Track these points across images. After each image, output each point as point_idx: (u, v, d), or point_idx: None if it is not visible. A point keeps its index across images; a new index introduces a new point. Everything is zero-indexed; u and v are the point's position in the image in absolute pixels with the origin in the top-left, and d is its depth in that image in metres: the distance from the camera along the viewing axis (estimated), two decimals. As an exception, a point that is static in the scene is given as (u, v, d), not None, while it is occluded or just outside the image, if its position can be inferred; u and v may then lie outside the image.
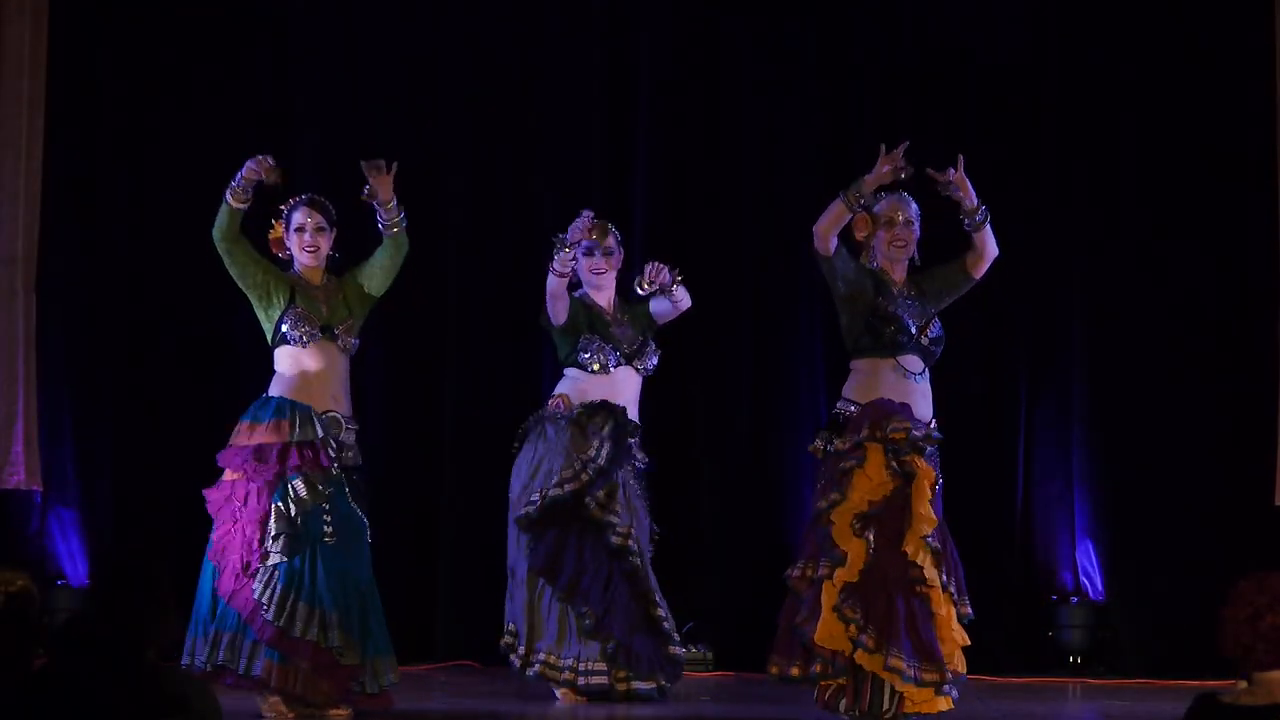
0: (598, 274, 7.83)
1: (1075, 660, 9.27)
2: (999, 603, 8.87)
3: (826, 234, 6.79)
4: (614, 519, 7.61)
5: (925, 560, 6.57)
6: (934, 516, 6.63)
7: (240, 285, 7.14)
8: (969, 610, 6.76)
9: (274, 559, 6.87)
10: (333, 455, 6.98)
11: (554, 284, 7.75)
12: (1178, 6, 9.45)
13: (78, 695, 3.94)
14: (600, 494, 7.62)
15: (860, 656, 6.55)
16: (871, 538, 6.58)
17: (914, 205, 6.94)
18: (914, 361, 6.81)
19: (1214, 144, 9.38)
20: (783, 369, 9.54)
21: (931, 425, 6.81)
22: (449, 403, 9.62)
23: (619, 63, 9.72)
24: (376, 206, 7.23)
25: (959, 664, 6.69)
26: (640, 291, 7.88)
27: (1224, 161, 9.38)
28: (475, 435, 9.41)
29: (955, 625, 6.67)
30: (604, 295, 7.86)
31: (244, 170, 7.04)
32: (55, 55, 9.51)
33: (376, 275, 7.26)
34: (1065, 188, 9.52)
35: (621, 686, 7.59)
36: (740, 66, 9.67)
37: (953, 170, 6.91)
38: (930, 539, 6.59)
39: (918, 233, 6.93)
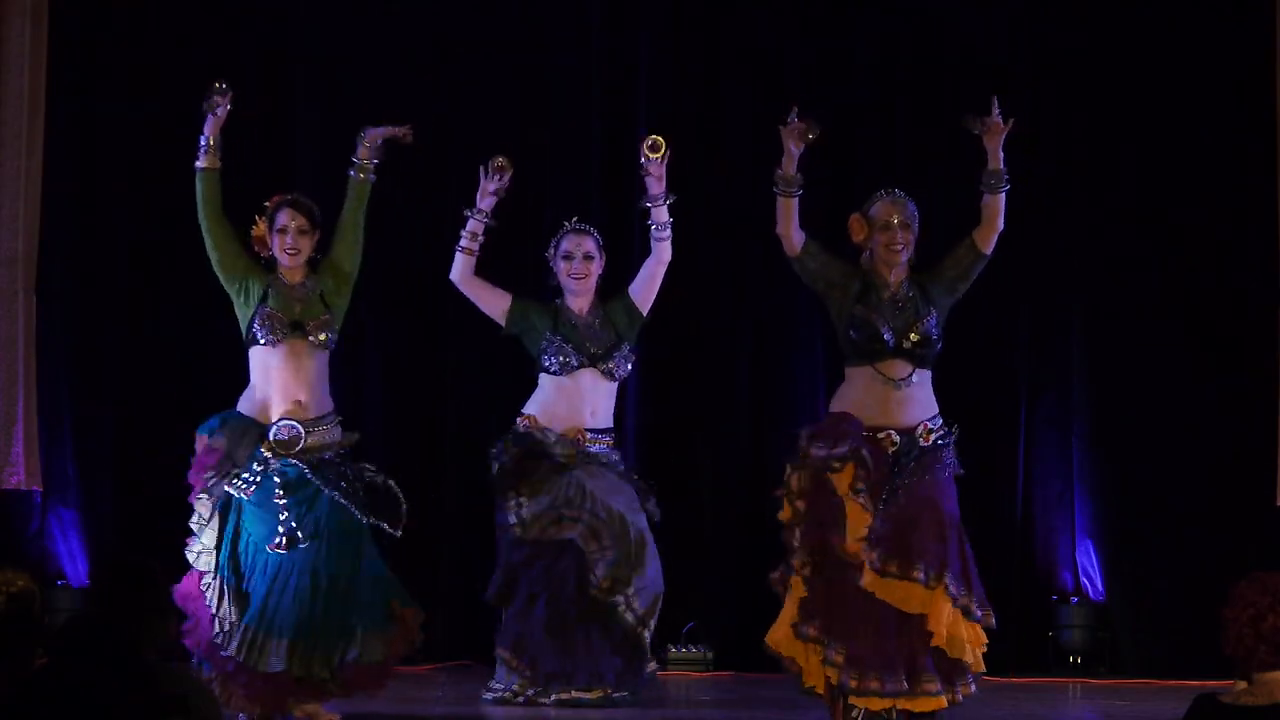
0: (577, 279, 7.78)
1: (1075, 660, 9.28)
2: (999, 603, 8.83)
3: (785, 233, 6.80)
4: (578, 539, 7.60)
5: (865, 558, 6.54)
6: (864, 513, 6.58)
7: (220, 277, 7.12)
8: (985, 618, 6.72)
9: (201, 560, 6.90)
10: (247, 476, 6.93)
11: (457, 267, 7.69)
12: (1179, 6, 9.46)
13: (78, 695, 3.94)
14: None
15: (828, 670, 6.55)
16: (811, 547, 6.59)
17: (910, 205, 6.88)
18: (896, 367, 6.74)
19: (1214, 143, 9.38)
20: (783, 370, 9.54)
21: (920, 428, 6.75)
22: (450, 402, 9.63)
23: (619, 63, 9.72)
24: (358, 142, 7.17)
25: (967, 657, 6.62)
26: (649, 201, 7.70)
27: (1224, 161, 9.38)
28: (476, 434, 9.40)
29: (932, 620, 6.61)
30: (580, 301, 7.82)
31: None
32: (55, 55, 9.51)
33: (345, 241, 7.15)
34: (1065, 187, 9.52)
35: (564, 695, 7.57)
36: (740, 66, 9.67)
37: (1000, 115, 6.84)
38: (863, 540, 6.55)
39: (916, 233, 6.88)
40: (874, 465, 6.60)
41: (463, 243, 7.69)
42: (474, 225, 7.68)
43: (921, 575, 6.53)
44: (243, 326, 7.09)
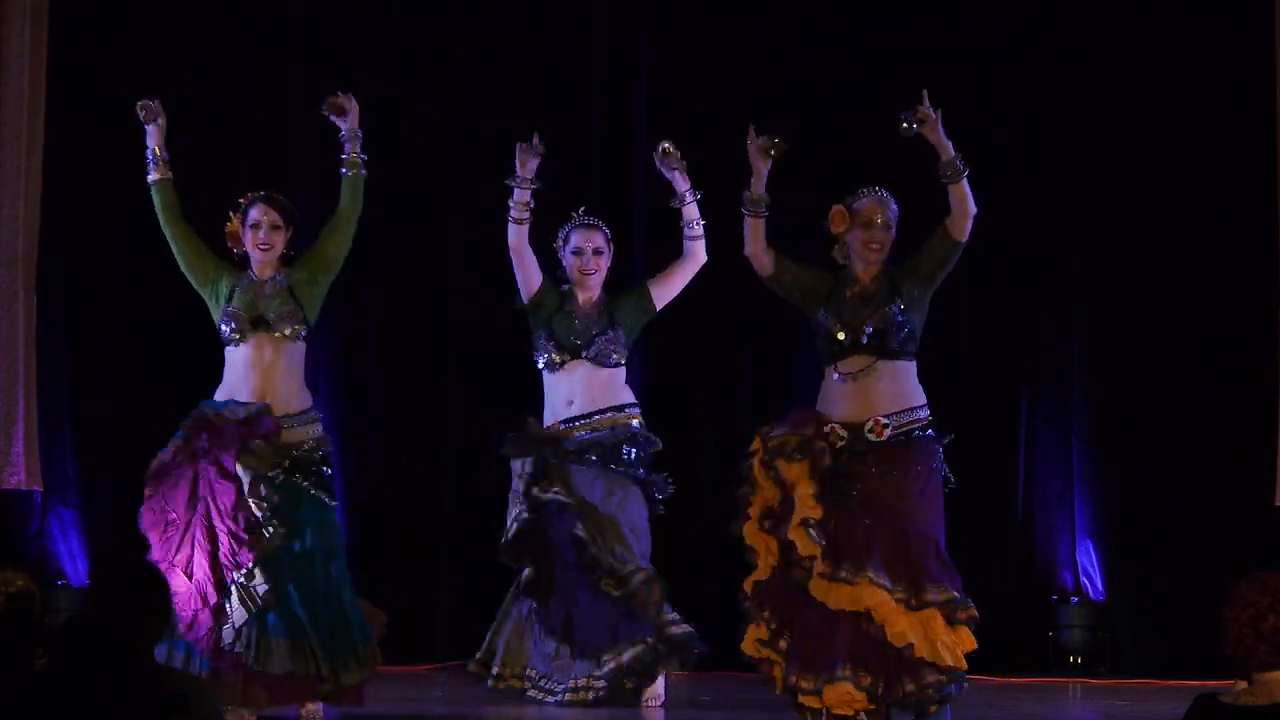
0: (585, 274, 7.80)
1: (1075, 660, 9.27)
2: (999, 603, 8.87)
3: (755, 253, 6.86)
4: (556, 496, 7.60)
5: (807, 547, 6.56)
6: (815, 505, 6.58)
7: (192, 281, 7.18)
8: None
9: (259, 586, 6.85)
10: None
11: (512, 235, 7.74)
12: (1179, 6, 9.46)
13: (78, 695, 3.94)
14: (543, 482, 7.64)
15: (774, 659, 6.60)
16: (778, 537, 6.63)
17: (894, 206, 6.88)
18: (855, 362, 6.74)
19: (1214, 143, 9.38)
20: (785, 369, 9.54)
21: (869, 423, 6.70)
22: (450, 402, 9.63)
23: (619, 63, 9.72)
24: (343, 140, 7.23)
25: (946, 659, 6.61)
26: (679, 201, 7.70)
27: (1224, 161, 9.38)
28: (477, 434, 9.41)
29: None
30: (586, 294, 7.83)
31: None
32: (55, 55, 9.51)
33: (329, 243, 7.21)
34: (1065, 187, 9.52)
35: (629, 684, 7.60)
36: (740, 66, 9.67)
37: (923, 108, 6.73)
38: (809, 526, 6.57)
39: (894, 235, 6.87)
40: (821, 459, 6.63)
41: (512, 213, 7.74)
42: (520, 195, 7.71)
43: (874, 576, 6.54)
44: (216, 326, 7.16)
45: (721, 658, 9.18)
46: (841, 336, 6.69)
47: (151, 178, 7.20)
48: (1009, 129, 9.49)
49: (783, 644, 6.62)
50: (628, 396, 7.81)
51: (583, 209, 7.93)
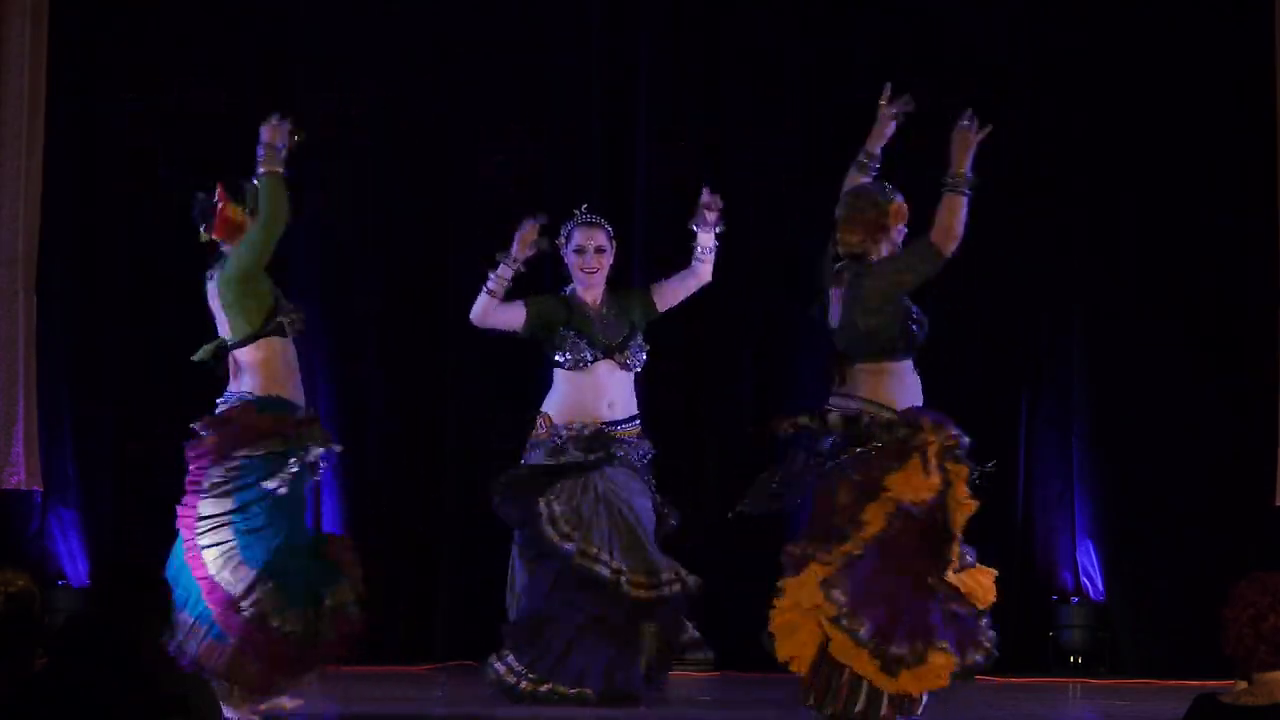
0: (589, 273, 7.76)
1: (1076, 660, 9.28)
2: (999, 603, 8.85)
3: (960, 234, 6.64)
4: (568, 545, 7.55)
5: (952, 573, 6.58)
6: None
7: (259, 277, 7.03)
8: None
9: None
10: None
11: (478, 306, 7.61)
12: (1179, 6, 9.46)
13: (78, 695, 3.94)
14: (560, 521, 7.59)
15: (837, 645, 6.46)
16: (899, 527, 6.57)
17: None
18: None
19: (1214, 143, 9.38)
20: (786, 369, 9.54)
21: None
22: (450, 402, 9.63)
23: (619, 63, 9.72)
24: (259, 151, 7.09)
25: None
26: (698, 226, 7.72)
27: (1224, 161, 9.39)
28: (477, 433, 9.41)
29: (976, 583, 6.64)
30: (592, 293, 7.79)
31: (275, 141, 7.04)
32: (55, 55, 9.51)
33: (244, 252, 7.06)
34: (1066, 187, 9.52)
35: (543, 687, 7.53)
36: (740, 66, 9.68)
37: (975, 124, 6.78)
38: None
39: None
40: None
41: (490, 285, 7.59)
42: (504, 271, 7.60)
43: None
44: (256, 321, 7.04)
45: (723, 658, 9.20)
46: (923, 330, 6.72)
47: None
48: (1009, 129, 9.44)
49: (856, 625, 6.46)
50: None
51: (585, 206, 7.91)
